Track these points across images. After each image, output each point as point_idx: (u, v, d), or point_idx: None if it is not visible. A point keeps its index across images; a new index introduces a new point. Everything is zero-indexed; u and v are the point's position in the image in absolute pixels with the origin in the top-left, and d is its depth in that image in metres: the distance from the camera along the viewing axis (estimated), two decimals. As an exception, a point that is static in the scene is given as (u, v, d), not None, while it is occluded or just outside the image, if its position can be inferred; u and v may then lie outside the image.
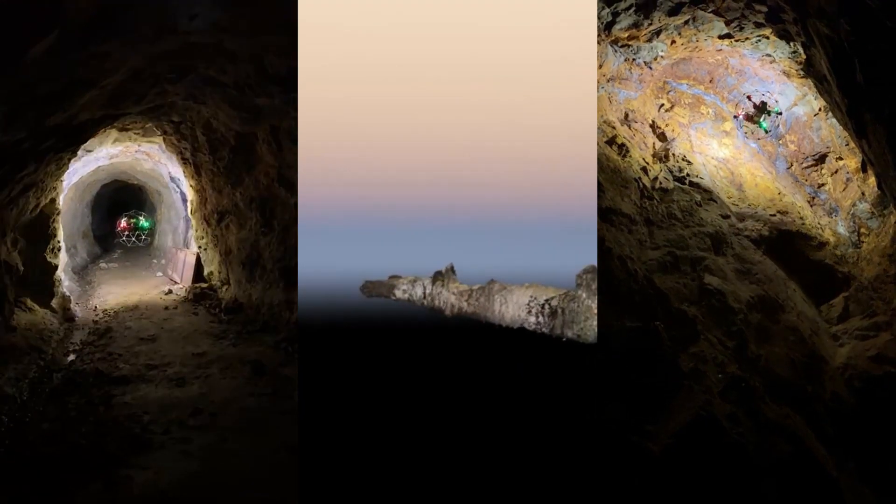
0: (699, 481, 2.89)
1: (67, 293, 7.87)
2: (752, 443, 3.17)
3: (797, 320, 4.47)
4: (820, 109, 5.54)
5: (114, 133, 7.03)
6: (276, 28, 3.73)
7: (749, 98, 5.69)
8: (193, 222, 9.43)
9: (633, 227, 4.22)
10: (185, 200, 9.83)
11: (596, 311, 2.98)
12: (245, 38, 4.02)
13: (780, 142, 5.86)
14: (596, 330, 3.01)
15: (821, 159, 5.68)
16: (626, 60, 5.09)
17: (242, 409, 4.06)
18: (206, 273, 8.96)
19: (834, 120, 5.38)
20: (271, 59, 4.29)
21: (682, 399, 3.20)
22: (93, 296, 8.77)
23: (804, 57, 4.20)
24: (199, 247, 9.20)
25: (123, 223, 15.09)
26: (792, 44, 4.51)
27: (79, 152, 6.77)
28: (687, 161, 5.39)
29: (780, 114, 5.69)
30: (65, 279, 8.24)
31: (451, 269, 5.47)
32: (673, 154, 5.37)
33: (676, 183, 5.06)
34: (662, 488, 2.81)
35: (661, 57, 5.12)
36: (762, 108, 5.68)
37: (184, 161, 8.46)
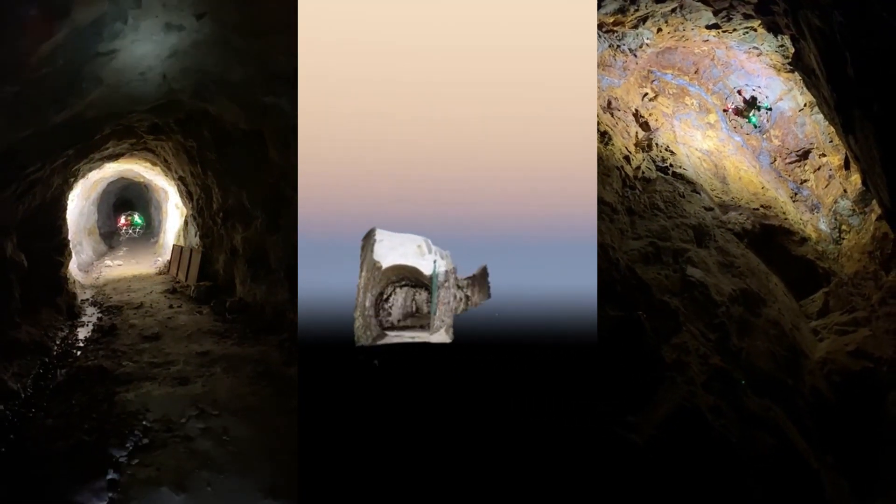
0: (684, 472, 2.66)
1: (72, 290, 7.63)
2: (736, 434, 2.95)
3: (778, 314, 4.26)
4: (805, 105, 5.29)
5: (120, 131, 6.72)
6: (283, 27, 3.54)
7: (740, 93, 5.39)
8: (199, 221, 9.13)
9: (615, 216, 3.97)
10: (190, 199, 9.53)
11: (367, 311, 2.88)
12: (253, 36, 3.82)
13: (765, 136, 5.62)
14: (359, 334, 2.89)
15: (804, 155, 5.45)
16: (610, 47, 4.82)
17: (245, 409, 3.87)
18: (210, 272, 8.66)
19: (819, 116, 5.13)
20: (278, 59, 4.09)
21: (665, 390, 2.97)
22: (98, 293, 8.50)
23: (792, 51, 3.91)
24: (204, 245, 8.93)
25: (123, 220, 17.24)
26: (780, 37, 4.22)
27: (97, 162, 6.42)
28: (670, 151, 5.14)
29: (770, 110, 5.40)
30: (70, 276, 7.99)
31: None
32: (656, 144, 5.12)
33: (659, 173, 4.83)
34: (647, 479, 2.59)
35: (647, 45, 4.83)
36: (752, 104, 5.39)
37: (190, 159, 8.13)
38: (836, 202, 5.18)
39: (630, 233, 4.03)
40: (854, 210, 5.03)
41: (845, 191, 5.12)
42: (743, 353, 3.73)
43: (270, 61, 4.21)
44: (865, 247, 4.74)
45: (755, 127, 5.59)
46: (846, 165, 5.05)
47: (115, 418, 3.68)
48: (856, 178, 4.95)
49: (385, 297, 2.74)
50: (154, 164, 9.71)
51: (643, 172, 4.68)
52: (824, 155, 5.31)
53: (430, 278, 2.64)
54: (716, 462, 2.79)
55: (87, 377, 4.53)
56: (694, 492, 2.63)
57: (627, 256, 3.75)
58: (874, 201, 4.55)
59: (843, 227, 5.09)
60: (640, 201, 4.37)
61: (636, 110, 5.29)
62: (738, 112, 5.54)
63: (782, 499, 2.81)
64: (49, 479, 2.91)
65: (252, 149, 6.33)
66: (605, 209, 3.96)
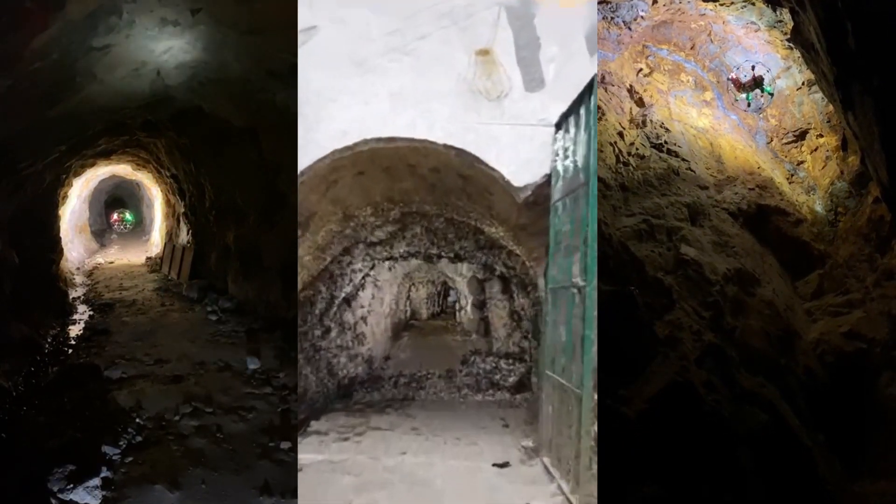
0: (676, 444, 2.69)
1: (64, 288, 7.55)
2: (729, 410, 3.00)
3: (773, 295, 4.31)
4: (803, 84, 5.26)
5: (113, 127, 6.56)
6: (280, 24, 3.51)
7: (753, 68, 5.23)
8: (191, 218, 9.03)
9: (608, 192, 3.98)
10: (183, 196, 9.36)
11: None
12: (249, 33, 3.84)
13: (761, 116, 5.58)
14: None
15: (801, 136, 5.44)
16: (603, 19, 4.79)
17: (239, 407, 3.90)
18: (202, 270, 8.57)
19: (816, 95, 5.12)
20: (274, 56, 4.10)
21: (657, 365, 2.99)
22: (89, 290, 8.46)
23: (791, 25, 3.82)
24: (196, 243, 8.84)
25: (115, 217, 18.08)
26: (779, 11, 4.17)
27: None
28: (665, 128, 5.10)
29: (772, 95, 5.30)
30: (61, 274, 7.91)
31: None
32: (651, 120, 5.06)
33: (654, 150, 4.82)
34: (638, 451, 2.61)
35: (642, 17, 4.78)
36: (758, 83, 5.24)
37: (183, 157, 7.97)
38: (832, 184, 5.18)
39: (623, 209, 4.03)
40: (850, 192, 5.04)
41: (842, 172, 5.12)
42: (737, 332, 3.79)
43: (266, 58, 4.20)
44: (861, 229, 4.75)
45: (748, 105, 5.47)
46: (843, 147, 5.04)
47: (108, 416, 3.69)
48: (853, 159, 4.93)
49: (346, 294, 1.10)
50: (147, 161, 9.65)
51: (637, 149, 4.68)
52: (821, 135, 5.30)
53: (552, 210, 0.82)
54: (708, 435, 2.83)
55: (80, 375, 4.55)
56: (685, 463, 2.66)
57: (620, 233, 3.76)
58: (870, 184, 4.54)
59: (839, 209, 5.10)
60: (633, 178, 4.37)
61: (630, 86, 5.24)
62: (738, 84, 5.37)
63: (774, 474, 2.86)
64: (42, 478, 2.93)
65: (246, 146, 6.29)
66: (599, 185, 3.95)
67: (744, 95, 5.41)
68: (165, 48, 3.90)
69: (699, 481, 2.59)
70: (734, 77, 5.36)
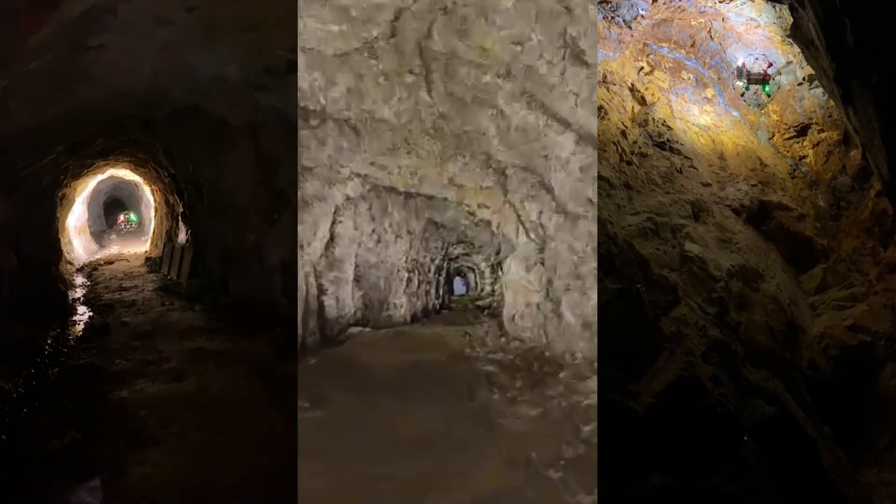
0: (683, 436, 2.73)
1: (64, 289, 7.56)
2: (734, 403, 3.02)
3: (776, 290, 4.34)
4: (804, 79, 5.29)
5: (110, 127, 6.55)
6: (277, 21, 3.51)
7: (770, 65, 5.26)
8: (191, 217, 9.02)
9: (612, 192, 4.00)
10: (182, 195, 9.36)
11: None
12: (245, 31, 3.85)
13: (763, 111, 5.59)
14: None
15: (802, 131, 5.47)
16: (604, 18, 4.83)
17: (240, 405, 3.91)
18: (202, 268, 8.58)
19: (817, 90, 5.15)
20: (272, 52, 4.12)
21: (663, 360, 3.02)
22: (89, 291, 8.42)
23: (790, 21, 3.85)
24: (196, 242, 8.84)
25: (122, 218, 18.72)
26: (778, 7, 4.20)
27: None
28: (667, 126, 5.11)
29: (770, 96, 5.33)
30: (61, 275, 7.91)
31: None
32: (653, 119, 5.08)
33: (656, 148, 4.84)
34: (645, 444, 2.64)
35: (642, 17, 4.81)
36: (765, 79, 5.26)
37: (181, 155, 7.99)
38: (834, 179, 5.21)
39: (628, 208, 4.06)
40: (853, 187, 5.06)
41: (844, 167, 5.15)
42: (741, 327, 3.82)
43: (263, 56, 4.21)
44: (864, 223, 4.79)
45: (743, 93, 5.45)
46: (845, 141, 5.08)
47: (108, 416, 3.69)
48: (854, 153, 4.97)
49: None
50: (145, 161, 9.63)
51: (640, 147, 4.70)
52: (823, 130, 5.33)
53: None
54: (714, 428, 2.85)
55: (80, 375, 4.54)
56: (692, 455, 2.69)
57: (625, 232, 3.79)
58: (872, 178, 4.58)
59: (842, 203, 5.13)
60: (636, 176, 4.40)
61: (632, 85, 5.26)
62: (740, 72, 5.35)
63: (780, 465, 2.89)
64: (43, 479, 2.93)
65: (245, 144, 6.30)
66: (602, 184, 4.00)
67: (741, 83, 5.38)
68: (161, 47, 3.88)
69: (706, 473, 2.63)
70: (743, 63, 5.33)
